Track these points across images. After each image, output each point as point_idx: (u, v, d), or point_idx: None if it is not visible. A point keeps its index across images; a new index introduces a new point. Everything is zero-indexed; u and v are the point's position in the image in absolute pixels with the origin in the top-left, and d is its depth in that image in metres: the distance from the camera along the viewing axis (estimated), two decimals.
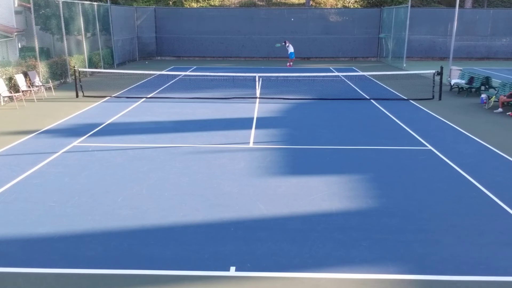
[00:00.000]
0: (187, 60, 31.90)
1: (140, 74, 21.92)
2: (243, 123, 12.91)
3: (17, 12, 22.32)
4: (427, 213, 7.01)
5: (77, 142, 10.92)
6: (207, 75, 21.13)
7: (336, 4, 36.74)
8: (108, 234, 6.30)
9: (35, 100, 16.29)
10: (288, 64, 27.58)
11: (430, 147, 10.59)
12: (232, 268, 5.44)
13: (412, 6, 27.25)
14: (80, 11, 22.41)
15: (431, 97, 16.66)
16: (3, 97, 15.40)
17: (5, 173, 8.68)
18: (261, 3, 36.11)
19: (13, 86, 16.08)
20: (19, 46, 21.57)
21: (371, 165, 9.30)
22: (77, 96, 17.03)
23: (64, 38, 20.96)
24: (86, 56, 22.80)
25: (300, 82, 20.72)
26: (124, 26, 28.92)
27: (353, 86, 20.02)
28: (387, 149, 10.43)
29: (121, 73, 21.77)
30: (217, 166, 9.17)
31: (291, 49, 27.13)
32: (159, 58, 32.54)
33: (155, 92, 18.22)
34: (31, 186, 8.01)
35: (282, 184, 8.17)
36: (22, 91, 16.02)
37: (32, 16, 18.55)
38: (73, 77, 18.32)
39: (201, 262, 5.59)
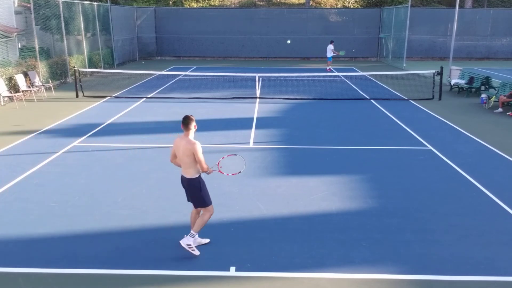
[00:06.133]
0: (187, 60, 31.88)
1: (140, 74, 21.91)
2: (243, 123, 12.91)
3: (17, 12, 22.30)
4: (427, 213, 7.01)
5: (77, 142, 10.92)
6: (207, 75, 21.13)
7: (336, 4, 36.73)
8: (108, 234, 6.30)
9: (35, 100, 16.29)
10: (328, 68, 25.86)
11: (430, 147, 10.59)
12: (232, 268, 5.44)
13: (412, 6, 27.26)
14: (80, 11, 22.42)
15: (431, 97, 16.66)
16: (3, 97, 15.40)
17: (5, 173, 8.68)
18: (261, 3, 36.10)
19: (13, 86, 16.08)
20: (19, 46, 21.54)
21: (371, 165, 9.30)
22: (77, 96, 17.02)
23: (64, 38, 20.96)
24: (86, 56, 22.80)
25: (300, 82, 20.71)
26: (124, 26, 28.92)
27: (353, 86, 20.01)
28: (387, 149, 10.43)
29: (121, 73, 21.78)
30: None
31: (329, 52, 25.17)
32: (159, 58, 32.54)
33: (155, 92, 18.21)
34: (31, 186, 8.00)
35: (282, 184, 8.17)
36: (22, 91, 16.01)
37: (32, 16, 18.55)
38: (73, 77, 18.32)
39: (201, 262, 5.59)
